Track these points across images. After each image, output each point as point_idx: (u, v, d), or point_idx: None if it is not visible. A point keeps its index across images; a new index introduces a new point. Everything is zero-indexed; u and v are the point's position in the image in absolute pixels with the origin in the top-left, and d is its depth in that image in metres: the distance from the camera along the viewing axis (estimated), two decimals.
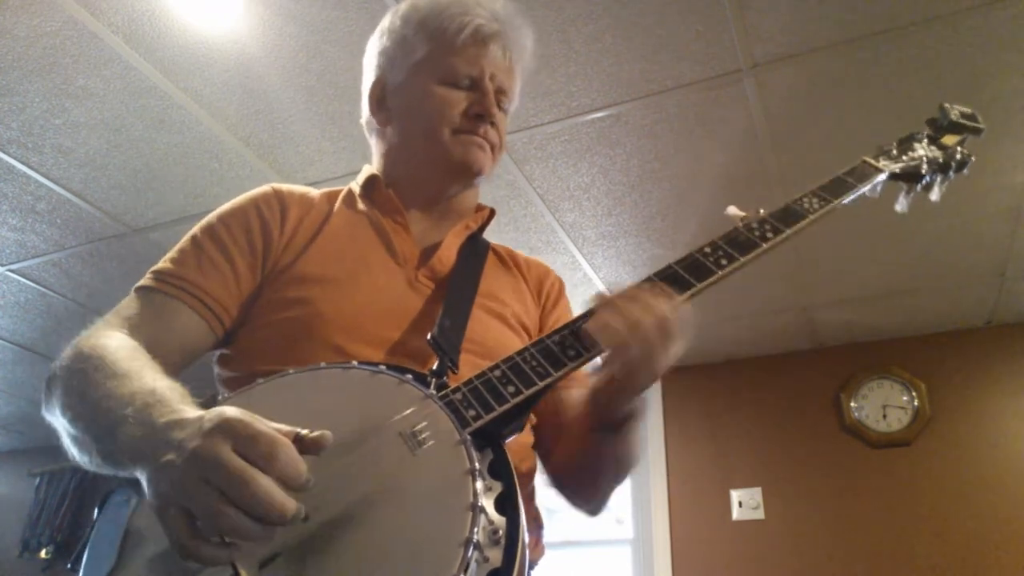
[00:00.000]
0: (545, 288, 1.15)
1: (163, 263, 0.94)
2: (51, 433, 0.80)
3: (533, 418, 1.01)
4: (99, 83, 2.06)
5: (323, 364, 0.78)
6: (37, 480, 4.76)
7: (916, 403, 3.19)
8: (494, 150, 1.05)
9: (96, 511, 0.75)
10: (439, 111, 1.01)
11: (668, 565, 3.28)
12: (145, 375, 0.73)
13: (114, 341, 0.81)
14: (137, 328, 0.86)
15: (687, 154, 2.29)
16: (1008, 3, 1.73)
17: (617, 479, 0.95)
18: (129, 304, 0.91)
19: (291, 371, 0.78)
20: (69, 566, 0.76)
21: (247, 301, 0.94)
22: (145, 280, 0.93)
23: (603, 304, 0.79)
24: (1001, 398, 3.10)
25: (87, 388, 0.74)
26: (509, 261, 1.14)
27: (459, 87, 1.02)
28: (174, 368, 0.85)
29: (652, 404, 3.57)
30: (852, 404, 3.29)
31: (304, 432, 0.62)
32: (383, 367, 0.77)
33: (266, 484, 0.57)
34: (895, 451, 3.15)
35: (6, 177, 2.45)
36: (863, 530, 3.06)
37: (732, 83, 2.01)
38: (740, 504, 3.29)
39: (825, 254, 2.75)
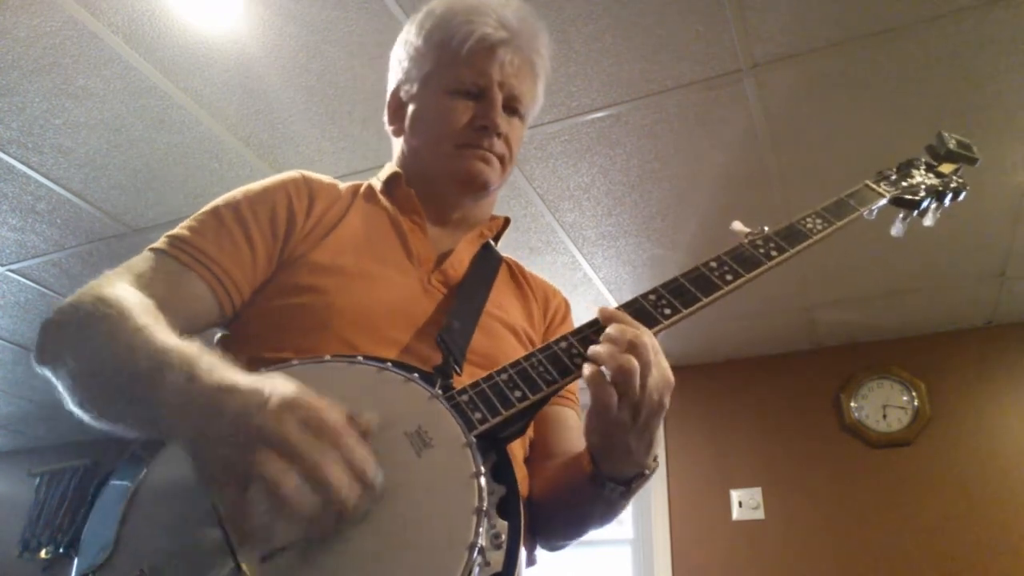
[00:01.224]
0: (552, 306, 1.15)
1: (180, 230, 0.91)
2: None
3: (531, 432, 1.00)
4: (99, 83, 2.06)
5: (328, 356, 0.77)
6: (37, 480, 4.76)
7: (916, 403, 3.19)
8: (503, 161, 1.04)
9: (91, 495, 0.74)
10: (444, 123, 1.01)
11: (668, 565, 3.28)
12: (171, 334, 0.71)
13: (134, 296, 0.78)
14: (147, 288, 0.83)
15: (687, 154, 2.29)
16: (1008, 3, 1.73)
17: (599, 526, 0.92)
18: (141, 263, 0.87)
19: (295, 361, 0.77)
20: (62, 550, 0.76)
21: (259, 286, 0.92)
22: (160, 244, 0.89)
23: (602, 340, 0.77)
24: (1001, 398, 3.10)
25: (116, 335, 0.71)
26: (520, 276, 1.14)
27: (466, 96, 1.01)
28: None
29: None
30: (852, 404, 3.29)
31: (359, 417, 0.63)
32: (389, 364, 0.76)
33: (339, 469, 0.58)
34: (895, 451, 3.15)
35: (6, 177, 2.45)
36: (863, 530, 3.06)
37: (732, 83, 2.01)
38: (740, 504, 3.29)
39: (825, 254, 2.75)
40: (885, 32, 1.83)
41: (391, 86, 1.11)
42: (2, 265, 2.98)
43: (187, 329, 0.85)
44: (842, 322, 3.26)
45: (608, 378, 0.73)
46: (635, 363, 0.73)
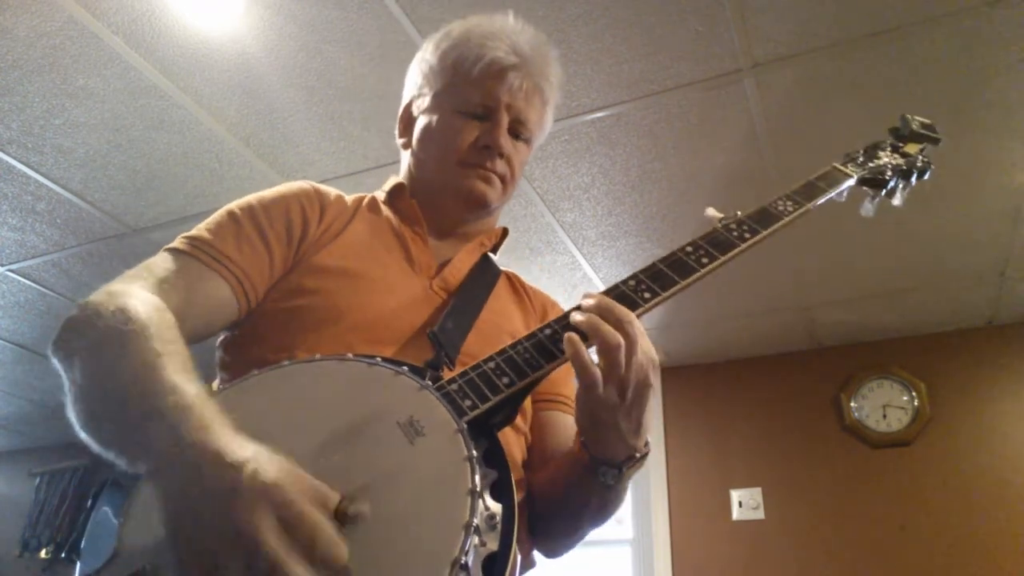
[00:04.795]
0: (550, 316, 1.15)
1: (199, 231, 0.91)
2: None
3: (525, 426, 1.02)
4: (99, 83, 2.06)
5: (318, 356, 0.79)
6: (37, 480, 4.76)
7: (916, 403, 3.19)
8: (504, 181, 1.06)
9: (91, 500, 0.73)
10: (449, 141, 1.03)
11: (668, 565, 3.28)
12: (178, 368, 0.69)
13: (156, 312, 0.76)
14: (170, 291, 0.82)
15: (687, 154, 2.29)
16: (1008, 3, 1.74)
17: (595, 522, 0.92)
18: (162, 264, 0.86)
19: (286, 362, 0.78)
20: (64, 555, 0.74)
21: (272, 288, 0.94)
22: (179, 243, 0.90)
23: (582, 323, 0.78)
24: (1001, 398, 3.10)
25: (123, 360, 0.69)
26: (519, 287, 1.17)
27: (473, 117, 1.04)
28: (194, 337, 0.83)
29: (651, 403, 3.55)
30: (852, 404, 3.29)
31: (347, 503, 0.60)
32: (379, 359, 0.78)
33: (303, 572, 0.54)
34: (895, 451, 3.15)
35: (6, 177, 2.45)
36: (863, 530, 3.06)
37: (732, 83, 2.01)
38: (740, 504, 3.29)
39: (825, 254, 2.75)
40: (885, 32, 1.83)
41: (404, 100, 1.15)
42: (2, 265, 2.98)
43: (205, 331, 0.87)
44: (842, 322, 3.26)
45: (594, 356, 0.75)
46: (619, 337, 0.75)
